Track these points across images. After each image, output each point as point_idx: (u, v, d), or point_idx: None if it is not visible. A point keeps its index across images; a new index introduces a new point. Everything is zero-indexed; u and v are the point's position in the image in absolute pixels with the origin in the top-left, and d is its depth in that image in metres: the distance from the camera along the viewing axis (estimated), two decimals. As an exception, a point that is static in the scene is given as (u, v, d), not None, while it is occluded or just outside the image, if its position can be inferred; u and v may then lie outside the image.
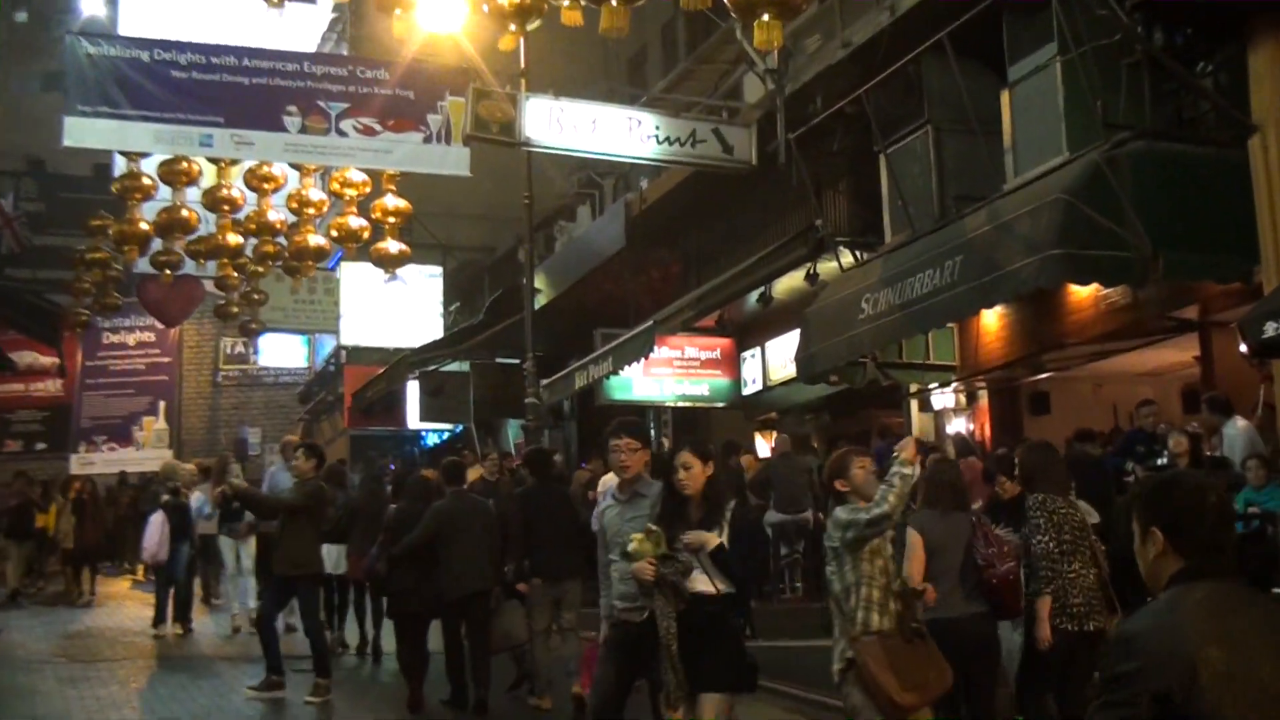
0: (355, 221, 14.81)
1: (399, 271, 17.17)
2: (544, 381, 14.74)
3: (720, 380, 15.90)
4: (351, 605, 11.67)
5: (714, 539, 4.96)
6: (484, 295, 23.04)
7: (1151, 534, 2.50)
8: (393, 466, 19.13)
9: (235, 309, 18.70)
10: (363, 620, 11.45)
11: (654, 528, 5.00)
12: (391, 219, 14.90)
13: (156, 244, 15.40)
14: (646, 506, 5.39)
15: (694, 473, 5.08)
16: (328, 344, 28.47)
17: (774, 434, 15.99)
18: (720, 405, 16.17)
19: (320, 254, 15.57)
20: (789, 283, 13.37)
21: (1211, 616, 2.33)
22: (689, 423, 18.02)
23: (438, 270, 23.83)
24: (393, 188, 14.73)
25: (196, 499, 13.47)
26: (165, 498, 13.74)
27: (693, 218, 15.15)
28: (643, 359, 13.10)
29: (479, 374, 20.48)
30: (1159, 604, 2.42)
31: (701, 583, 4.94)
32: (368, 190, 14.75)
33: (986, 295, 8.48)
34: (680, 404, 16.11)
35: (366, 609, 11.39)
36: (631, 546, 4.99)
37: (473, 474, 14.17)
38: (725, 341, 15.90)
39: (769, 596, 12.79)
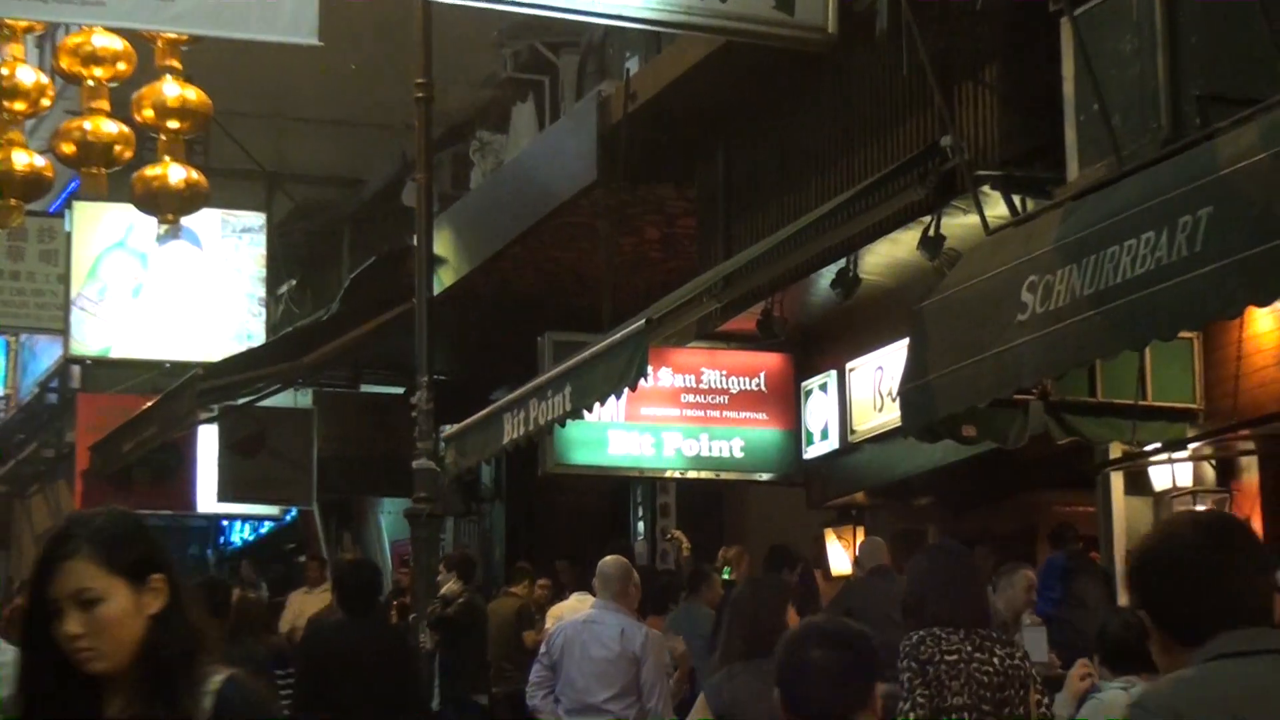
0: (106, 128, 14.76)
1: (186, 222, 17.06)
2: (447, 429, 14.74)
3: (764, 431, 16.01)
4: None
5: None
6: (340, 268, 23.03)
7: None
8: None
9: None
10: None
11: None
12: (173, 125, 14.87)
13: None
14: None
15: (107, 615, 3.85)
16: (47, 354, 28.41)
17: (858, 533, 15.94)
18: (764, 478, 16.28)
19: (34, 185, 15.53)
20: (891, 252, 13.39)
21: None
22: (706, 509, 17.96)
23: (257, 220, 23.97)
24: (176, 65, 14.70)
25: None
26: None
27: (719, 131, 15.22)
28: (626, 390, 13.06)
29: (329, 414, 20.66)
30: None
31: None
32: (128, 70, 14.71)
33: (1259, 282, 8.47)
34: (693, 474, 16.17)
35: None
36: None
37: (309, 603, 14.11)
38: (774, 360, 16.05)
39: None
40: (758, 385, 15.95)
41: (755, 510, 17.85)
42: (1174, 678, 3.67)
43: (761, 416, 15.95)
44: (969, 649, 6.84)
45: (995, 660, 6.89)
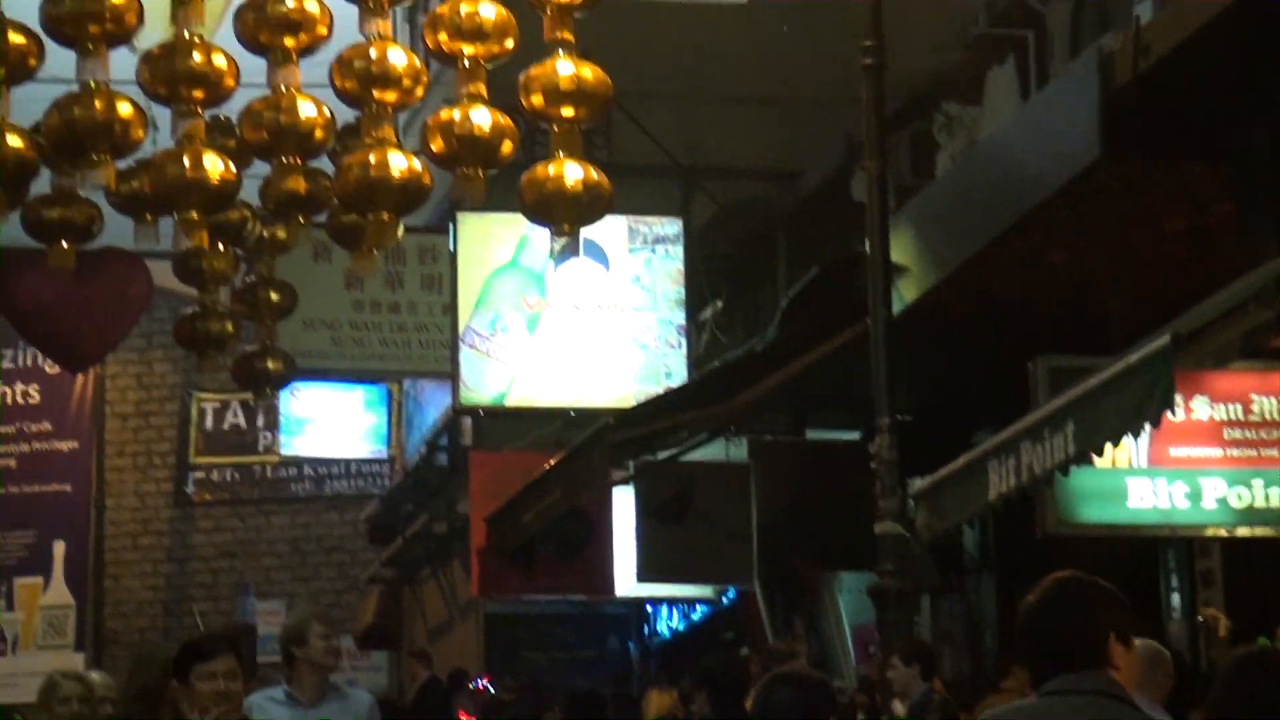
0: (480, 119, 15.09)
1: (587, 234, 17.35)
2: (917, 483, 14.87)
3: (1342, 474, 15.58)
4: None
5: None
6: (775, 283, 23.16)
7: None
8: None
9: (226, 326, 19.17)
10: None
11: None
12: (567, 112, 15.09)
13: (45, 179, 15.96)
14: None
15: None
16: (433, 404, 29.16)
17: None
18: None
19: (414, 195, 15.74)
20: None
21: None
22: (1265, 577, 17.59)
23: (673, 228, 24.19)
24: (568, 37, 14.96)
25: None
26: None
27: (1264, 88, 14.92)
28: (1148, 426, 12.98)
29: (768, 469, 20.82)
30: None
31: None
32: (511, 46, 15.05)
33: None
34: (1244, 531, 15.77)
35: None
36: None
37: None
38: (1350, 383, 15.62)
39: None
40: (1328, 416, 15.55)
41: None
42: (1012, 705, 6.46)
43: (1341, 456, 15.54)
44: None
45: None
